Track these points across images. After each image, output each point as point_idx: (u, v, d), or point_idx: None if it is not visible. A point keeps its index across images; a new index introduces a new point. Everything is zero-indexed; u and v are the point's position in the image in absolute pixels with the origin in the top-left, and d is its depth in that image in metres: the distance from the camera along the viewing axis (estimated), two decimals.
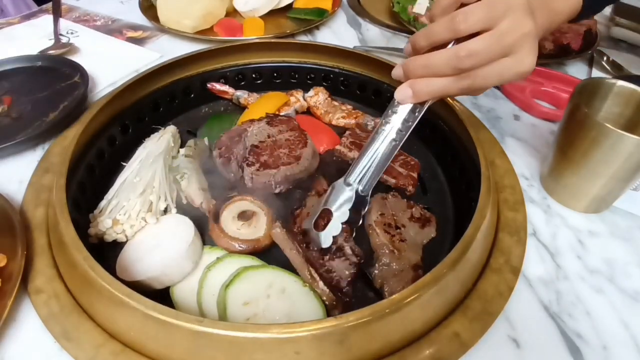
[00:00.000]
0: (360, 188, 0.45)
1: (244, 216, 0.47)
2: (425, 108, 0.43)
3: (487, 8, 0.38)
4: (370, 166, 0.45)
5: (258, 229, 0.46)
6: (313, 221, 0.45)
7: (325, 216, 0.45)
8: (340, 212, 0.44)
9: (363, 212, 0.45)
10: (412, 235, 0.47)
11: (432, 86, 0.41)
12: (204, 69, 0.65)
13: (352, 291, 0.43)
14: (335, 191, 0.45)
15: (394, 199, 0.50)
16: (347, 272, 0.43)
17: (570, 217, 0.50)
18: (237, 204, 0.49)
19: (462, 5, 0.40)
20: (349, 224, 0.45)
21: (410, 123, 0.43)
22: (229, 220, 0.47)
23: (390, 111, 0.44)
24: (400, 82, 0.44)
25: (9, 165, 0.55)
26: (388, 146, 0.44)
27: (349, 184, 0.45)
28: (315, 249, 0.45)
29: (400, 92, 0.43)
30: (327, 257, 0.44)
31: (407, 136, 0.44)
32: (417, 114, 0.43)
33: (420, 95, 0.42)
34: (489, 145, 0.58)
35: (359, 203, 0.45)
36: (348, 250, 0.45)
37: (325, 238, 0.44)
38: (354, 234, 0.46)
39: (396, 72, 0.44)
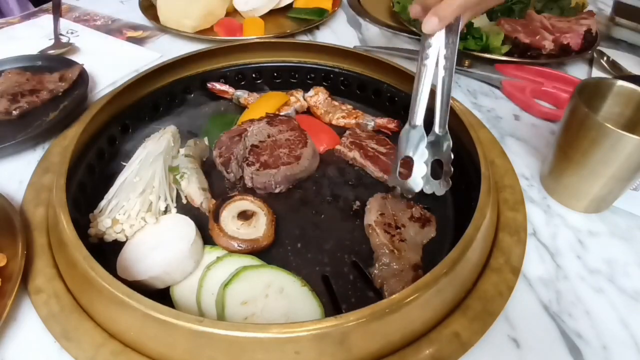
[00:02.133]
0: (436, 128, 0.47)
1: (244, 216, 0.47)
2: (459, 32, 0.45)
3: None
4: (432, 102, 0.46)
5: (257, 228, 0.46)
6: (397, 174, 0.47)
7: (406, 164, 0.47)
8: (418, 154, 0.46)
9: (449, 149, 0.46)
10: (412, 235, 0.47)
11: (452, 3, 0.43)
12: (204, 69, 0.65)
13: (352, 289, 0.43)
14: (404, 139, 0.47)
15: (394, 199, 0.50)
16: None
17: (570, 217, 0.50)
18: (237, 204, 0.49)
19: None
20: (440, 163, 0.47)
21: (450, 52, 0.45)
22: (228, 219, 0.47)
23: (424, 47, 0.45)
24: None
25: (9, 165, 0.55)
26: (444, 76, 0.46)
27: (414, 126, 0.47)
28: (410, 196, 0.47)
29: (428, 23, 0.44)
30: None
31: (455, 64, 0.45)
32: (452, 42, 0.45)
33: (446, 17, 0.43)
34: (489, 145, 0.58)
35: (439, 142, 0.47)
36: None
37: (415, 183, 0.46)
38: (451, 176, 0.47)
39: (415, 11, 0.46)
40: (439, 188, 0.48)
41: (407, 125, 0.47)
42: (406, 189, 0.48)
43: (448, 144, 0.47)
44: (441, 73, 0.46)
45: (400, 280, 0.42)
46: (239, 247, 0.44)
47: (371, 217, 0.47)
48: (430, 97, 0.46)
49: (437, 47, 0.45)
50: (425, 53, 0.46)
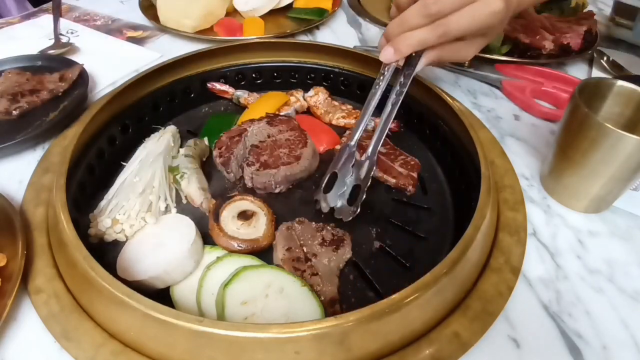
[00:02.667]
0: (368, 151, 0.48)
1: (244, 216, 0.47)
2: (415, 68, 0.48)
3: None
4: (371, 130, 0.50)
5: (257, 229, 0.46)
6: (322, 187, 0.48)
7: (333, 179, 0.48)
8: (343, 172, 0.48)
9: (371, 174, 0.48)
10: (326, 263, 0.43)
11: (410, 38, 0.45)
12: (204, 69, 0.65)
13: (352, 289, 0.43)
14: (338, 155, 0.49)
15: (300, 225, 0.46)
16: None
17: (570, 217, 0.50)
18: (237, 204, 0.49)
19: None
20: (357, 186, 0.48)
21: (401, 84, 0.49)
22: (228, 219, 0.47)
23: (380, 75, 0.50)
24: None
25: (9, 165, 0.55)
26: (389, 107, 0.49)
27: (349, 145, 0.49)
28: (323, 215, 0.48)
29: (384, 53, 0.48)
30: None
31: (401, 100, 0.48)
32: (406, 74, 0.48)
33: (402, 49, 0.46)
34: (489, 145, 0.58)
35: (364, 164, 0.48)
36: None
37: (331, 199, 0.47)
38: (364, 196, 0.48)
39: (380, 42, 0.49)
40: (347, 213, 0.47)
41: (342, 145, 0.50)
42: (323, 205, 0.48)
43: (369, 170, 0.48)
44: (388, 104, 0.49)
45: None
46: (239, 247, 0.44)
47: (278, 255, 0.43)
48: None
49: (389, 77, 0.50)
50: (378, 80, 0.50)
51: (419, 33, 0.45)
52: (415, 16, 0.45)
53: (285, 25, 0.89)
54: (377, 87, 0.50)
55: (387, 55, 0.48)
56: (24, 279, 0.41)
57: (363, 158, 0.49)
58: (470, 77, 0.73)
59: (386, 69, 0.50)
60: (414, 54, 0.49)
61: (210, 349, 0.33)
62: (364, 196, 0.47)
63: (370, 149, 0.49)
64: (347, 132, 0.60)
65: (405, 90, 0.49)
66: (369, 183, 0.48)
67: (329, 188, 0.48)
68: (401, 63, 0.50)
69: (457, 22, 0.43)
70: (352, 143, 0.49)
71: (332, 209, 0.48)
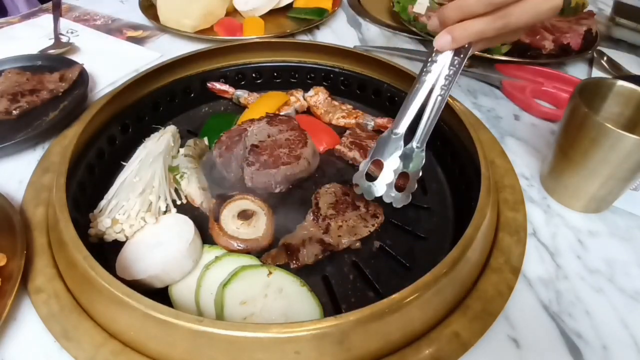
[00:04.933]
0: (414, 143, 0.46)
1: (244, 215, 0.47)
2: (467, 57, 0.45)
3: None
4: (418, 118, 0.46)
5: (257, 228, 0.46)
6: (364, 174, 0.46)
7: (377, 167, 0.46)
8: (390, 160, 0.46)
9: (420, 165, 0.46)
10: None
11: (469, 29, 0.42)
12: (204, 69, 0.65)
13: (352, 289, 0.43)
14: (382, 142, 0.47)
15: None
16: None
17: (570, 217, 0.50)
18: (237, 203, 0.49)
19: None
20: (405, 176, 0.46)
21: (452, 73, 0.45)
22: (228, 218, 0.47)
23: (429, 61, 0.46)
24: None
25: (9, 164, 0.55)
26: (439, 94, 0.45)
27: (395, 134, 0.46)
28: (369, 199, 0.47)
29: (440, 39, 0.44)
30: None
31: (452, 86, 0.45)
32: (457, 63, 0.45)
33: (459, 39, 0.43)
34: (489, 145, 0.58)
35: (412, 156, 0.46)
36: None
37: (377, 188, 0.46)
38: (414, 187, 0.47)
39: (433, 23, 0.46)
40: (398, 200, 0.47)
41: (387, 132, 0.47)
42: (368, 192, 0.47)
43: (421, 160, 0.46)
44: (437, 91, 0.46)
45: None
46: (238, 247, 0.44)
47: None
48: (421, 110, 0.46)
49: (442, 65, 0.45)
50: (427, 67, 0.46)
51: (479, 23, 0.42)
52: (478, 3, 0.41)
53: (285, 25, 0.89)
54: (426, 74, 0.46)
55: (444, 43, 0.44)
56: (23, 278, 0.41)
57: (409, 150, 0.47)
58: (470, 77, 0.73)
59: (438, 55, 0.46)
60: (466, 48, 0.45)
61: (210, 349, 0.33)
62: (416, 186, 0.46)
63: (416, 140, 0.46)
64: (347, 132, 0.60)
65: (455, 80, 0.45)
66: (420, 174, 0.46)
67: (371, 177, 0.47)
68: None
69: (519, 16, 0.41)
70: (398, 130, 0.46)
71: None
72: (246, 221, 0.47)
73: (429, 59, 0.46)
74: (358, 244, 0.46)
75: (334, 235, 0.46)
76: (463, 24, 0.43)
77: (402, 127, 0.47)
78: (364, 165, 0.47)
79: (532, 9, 0.41)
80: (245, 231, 0.46)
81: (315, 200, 0.49)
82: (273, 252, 0.45)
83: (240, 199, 0.49)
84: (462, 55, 0.45)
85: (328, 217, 0.47)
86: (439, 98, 0.45)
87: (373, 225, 0.47)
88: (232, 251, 0.44)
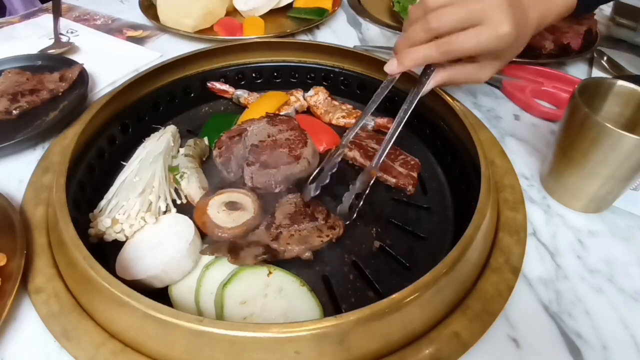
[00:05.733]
0: (372, 165, 0.49)
1: (231, 206, 0.48)
2: (424, 87, 0.49)
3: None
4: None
5: (235, 222, 0.47)
6: (310, 179, 0.50)
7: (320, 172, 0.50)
8: (330, 165, 0.49)
9: (370, 184, 0.48)
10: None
11: (414, 53, 0.46)
12: (204, 69, 0.65)
13: (352, 289, 0.43)
14: (331, 153, 0.51)
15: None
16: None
17: (570, 217, 0.50)
18: (235, 195, 0.49)
19: None
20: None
21: (409, 102, 0.49)
22: (217, 202, 0.48)
23: (383, 84, 0.51)
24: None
25: (9, 164, 0.55)
26: (395, 122, 0.49)
27: (342, 145, 0.51)
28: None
29: (388, 64, 0.49)
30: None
31: (406, 116, 0.49)
32: (414, 94, 0.49)
33: (404, 63, 0.48)
34: (489, 145, 0.58)
35: (365, 177, 0.49)
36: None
37: (313, 188, 0.48)
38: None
39: (389, 64, 0.50)
40: (345, 216, 0.48)
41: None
42: (306, 194, 0.49)
43: (367, 180, 0.49)
44: (395, 120, 0.49)
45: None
46: (208, 227, 0.45)
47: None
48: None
49: (387, 89, 0.51)
50: (379, 90, 0.51)
51: (423, 48, 0.46)
52: (419, 31, 0.45)
53: (285, 25, 0.89)
54: (378, 96, 0.51)
55: (391, 67, 0.49)
56: (23, 278, 0.41)
57: (367, 167, 0.50)
58: None
59: (390, 79, 0.51)
60: (425, 77, 0.49)
61: (210, 349, 0.33)
62: (361, 203, 0.48)
63: (374, 161, 0.49)
64: (347, 131, 0.60)
65: (411, 108, 0.49)
66: (366, 192, 0.48)
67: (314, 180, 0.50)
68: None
69: (461, 43, 0.43)
70: (343, 142, 0.51)
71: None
72: (230, 211, 0.47)
73: (384, 82, 0.51)
74: (308, 253, 0.44)
75: (282, 243, 0.44)
76: (409, 49, 0.47)
77: (346, 139, 0.51)
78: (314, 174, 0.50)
79: (473, 37, 0.43)
80: (224, 218, 0.46)
81: (273, 210, 0.48)
82: (216, 243, 0.44)
83: (243, 193, 0.50)
84: (419, 85, 0.49)
85: (281, 226, 0.46)
86: (394, 125, 0.49)
87: (327, 236, 0.45)
88: (198, 227, 0.46)
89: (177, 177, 0.51)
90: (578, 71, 0.76)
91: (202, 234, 0.46)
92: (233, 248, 0.43)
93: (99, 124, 0.53)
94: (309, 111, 0.66)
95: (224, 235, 0.45)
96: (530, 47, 0.76)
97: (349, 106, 0.65)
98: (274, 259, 0.43)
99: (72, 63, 0.69)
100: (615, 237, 0.48)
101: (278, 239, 0.45)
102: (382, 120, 0.61)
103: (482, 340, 0.38)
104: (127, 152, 0.54)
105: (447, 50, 0.44)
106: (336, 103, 0.65)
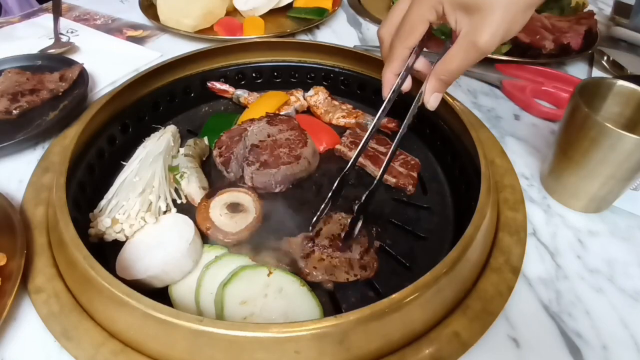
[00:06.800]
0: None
1: (233, 207, 0.47)
2: (415, 107, 0.46)
3: None
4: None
5: (238, 225, 0.47)
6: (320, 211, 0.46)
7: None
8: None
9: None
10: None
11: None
12: (204, 68, 0.65)
13: (352, 289, 0.43)
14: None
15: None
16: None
17: (570, 217, 0.50)
18: (237, 195, 0.49)
19: None
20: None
21: (407, 116, 0.47)
22: (219, 203, 0.48)
23: (382, 110, 0.47)
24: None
25: (9, 164, 0.55)
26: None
27: (344, 174, 0.46)
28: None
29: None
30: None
31: (403, 132, 0.46)
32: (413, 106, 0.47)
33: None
34: (489, 145, 0.58)
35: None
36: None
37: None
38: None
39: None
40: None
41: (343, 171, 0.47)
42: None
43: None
44: (395, 142, 0.46)
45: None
46: (206, 229, 0.45)
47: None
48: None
49: (385, 107, 0.47)
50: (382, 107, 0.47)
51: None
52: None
53: (285, 24, 0.89)
54: (379, 113, 0.47)
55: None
56: (23, 278, 0.41)
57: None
58: (470, 76, 0.73)
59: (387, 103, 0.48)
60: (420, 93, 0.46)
61: (210, 349, 0.33)
62: (356, 232, 0.45)
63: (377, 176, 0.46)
64: (348, 131, 0.60)
65: (406, 125, 0.46)
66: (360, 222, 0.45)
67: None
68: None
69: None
70: (347, 172, 0.46)
71: None
72: (232, 214, 0.47)
73: (381, 107, 0.47)
74: (330, 284, 0.42)
75: (309, 265, 0.43)
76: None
77: (348, 167, 0.46)
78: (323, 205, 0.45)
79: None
80: (226, 222, 0.46)
81: (322, 225, 0.47)
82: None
83: (243, 192, 0.50)
84: (415, 101, 0.46)
85: (318, 246, 0.44)
86: (396, 140, 0.46)
87: (356, 275, 0.43)
88: (202, 232, 0.46)
89: (177, 177, 0.51)
90: (578, 71, 0.76)
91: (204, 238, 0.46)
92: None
93: (99, 124, 0.53)
94: (309, 111, 0.66)
95: (229, 241, 0.45)
96: (531, 46, 0.76)
97: (349, 106, 0.65)
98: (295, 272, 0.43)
99: (72, 63, 0.69)
100: (615, 237, 0.48)
101: (308, 258, 0.44)
102: (382, 120, 0.61)
103: (482, 340, 0.38)
104: (127, 152, 0.54)
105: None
106: (336, 103, 0.65)
